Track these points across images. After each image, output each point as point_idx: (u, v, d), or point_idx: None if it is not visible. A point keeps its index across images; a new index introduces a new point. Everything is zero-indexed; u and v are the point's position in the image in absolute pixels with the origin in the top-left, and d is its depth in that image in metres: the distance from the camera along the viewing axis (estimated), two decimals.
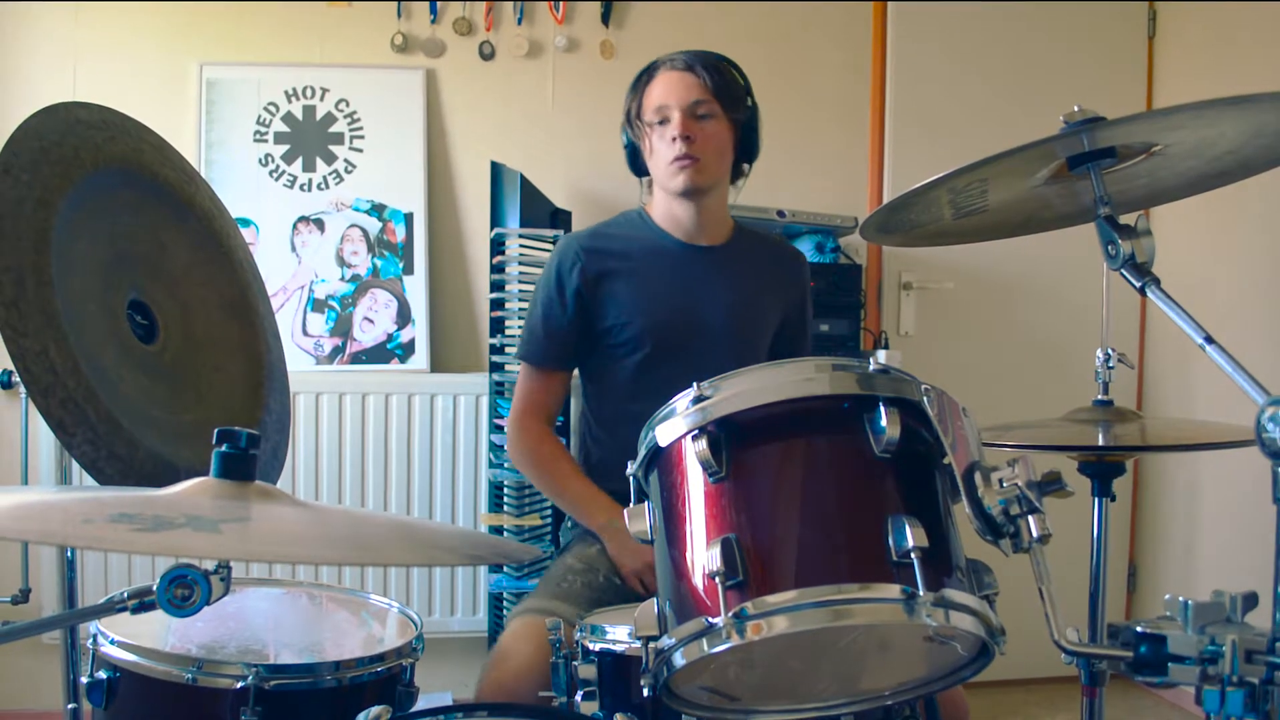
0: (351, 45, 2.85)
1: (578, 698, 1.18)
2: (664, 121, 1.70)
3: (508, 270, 2.53)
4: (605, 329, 1.76)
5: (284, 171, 2.80)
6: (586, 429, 1.87)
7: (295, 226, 2.79)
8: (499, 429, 2.52)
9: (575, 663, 1.20)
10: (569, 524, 1.83)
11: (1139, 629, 0.86)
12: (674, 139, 1.68)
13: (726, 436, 0.92)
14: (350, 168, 2.82)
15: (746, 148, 1.79)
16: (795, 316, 1.89)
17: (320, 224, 2.79)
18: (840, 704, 0.99)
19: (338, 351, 2.76)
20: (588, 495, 1.72)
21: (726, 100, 1.72)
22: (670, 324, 1.75)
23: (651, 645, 0.93)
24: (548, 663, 1.31)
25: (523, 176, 2.56)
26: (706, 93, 1.70)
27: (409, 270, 2.80)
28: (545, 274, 1.80)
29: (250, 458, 0.94)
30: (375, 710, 0.95)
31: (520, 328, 2.51)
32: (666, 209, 1.79)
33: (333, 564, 2.35)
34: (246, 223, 2.74)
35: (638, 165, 1.82)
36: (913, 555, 0.84)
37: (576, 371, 1.86)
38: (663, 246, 1.79)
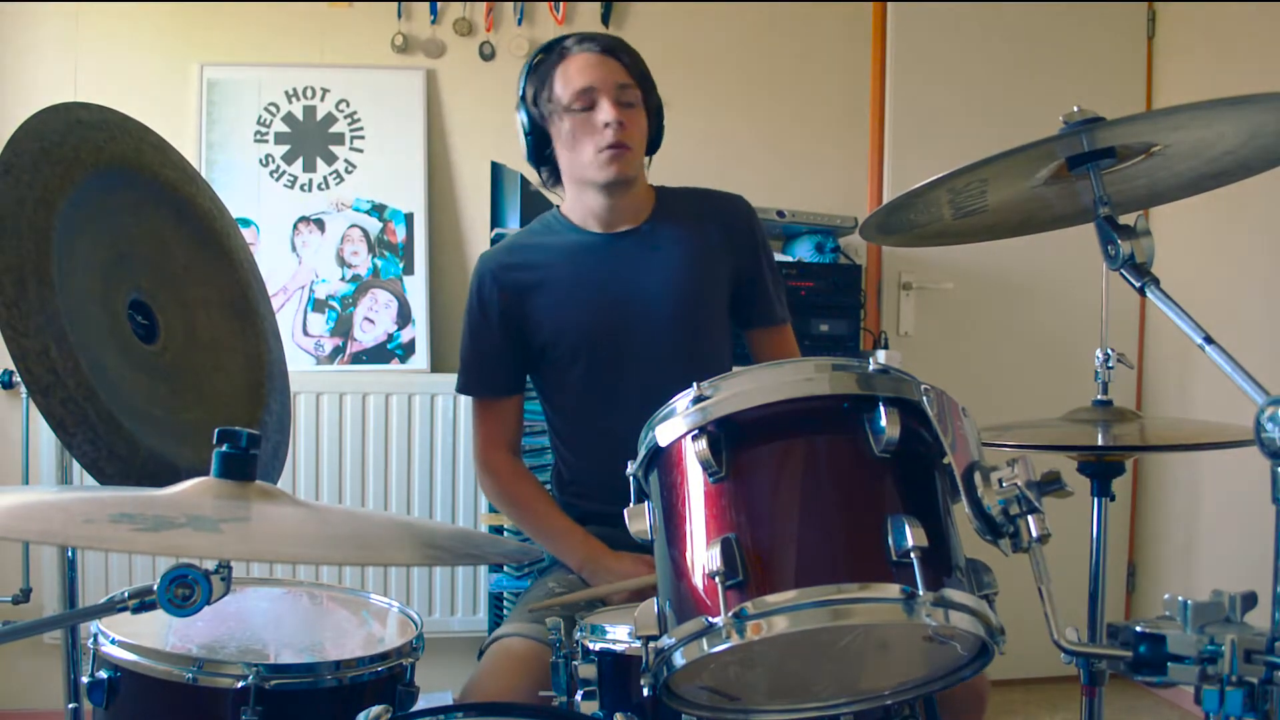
0: (352, 46, 2.86)
1: (578, 697, 1.18)
2: (588, 107, 1.57)
3: None
4: (540, 347, 1.67)
5: (284, 172, 2.80)
6: (555, 449, 1.79)
7: (296, 226, 2.79)
8: None
9: (575, 662, 1.20)
10: None
11: (1138, 629, 0.86)
12: (605, 125, 1.56)
13: (726, 436, 0.92)
14: (351, 168, 2.82)
15: (655, 139, 1.68)
16: (750, 268, 1.72)
17: (321, 224, 2.80)
18: (840, 704, 0.99)
19: (338, 351, 2.76)
20: (563, 533, 1.63)
21: (646, 86, 1.63)
22: (605, 326, 1.64)
23: (651, 645, 0.93)
24: (527, 687, 1.31)
25: (523, 177, 2.56)
26: (629, 77, 1.59)
27: (409, 270, 2.80)
28: (468, 300, 1.70)
29: (251, 457, 0.94)
30: (375, 710, 0.95)
31: None
32: (582, 204, 1.67)
33: (333, 564, 2.35)
34: (247, 223, 2.74)
35: (541, 153, 1.66)
36: (912, 555, 0.84)
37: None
38: (581, 244, 1.67)
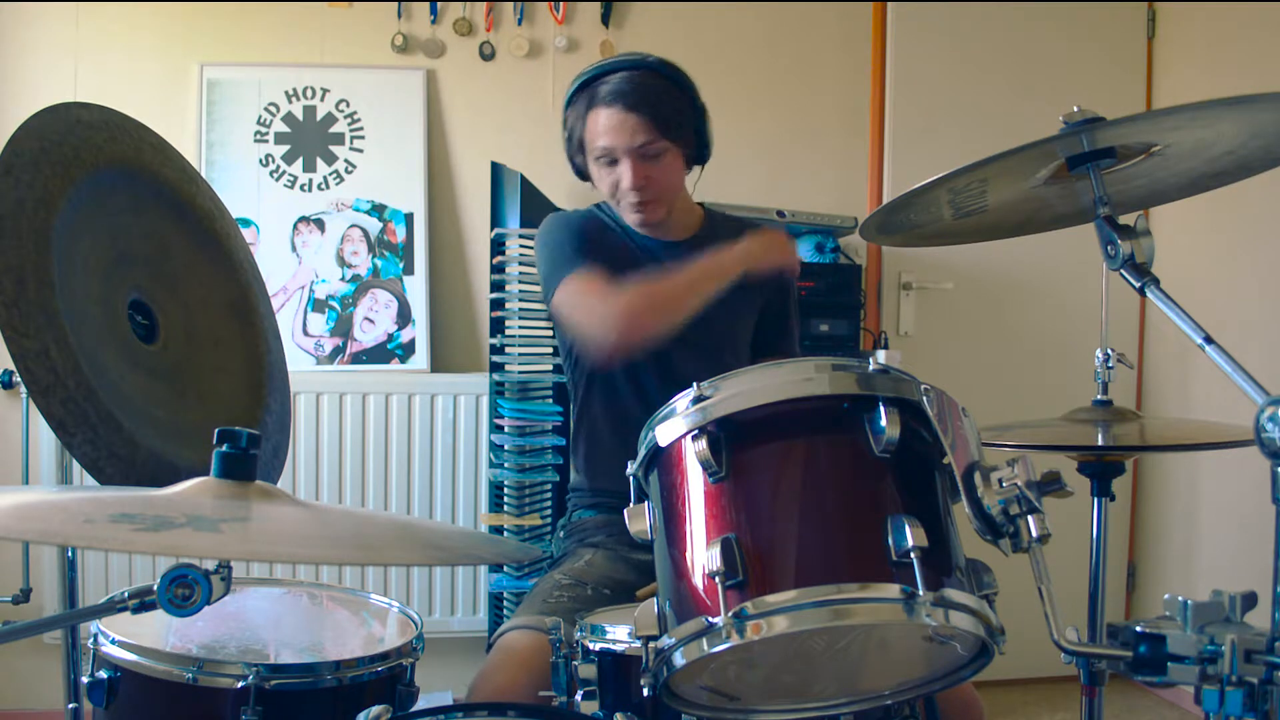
0: (352, 45, 2.86)
1: (578, 697, 1.18)
2: (612, 162, 1.62)
3: (508, 270, 2.53)
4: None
5: (284, 172, 2.80)
6: (579, 416, 1.80)
7: (296, 226, 2.79)
8: (499, 429, 2.52)
9: (575, 662, 1.20)
10: (560, 534, 1.82)
11: (1138, 629, 0.86)
12: (628, 187, 1.61)
13: (726, 436, 0.92)
14: (351, 168, 2.82)
15: (700, 156, 1.70)
16: (776, 304, 1.79)
17: (321, 224, 2.80)
18: (840, 704, 0.99)
19: (338, 351, 2.76)
20: (690, 270, 1.57)
21: (674, 132, 1.62)
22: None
23: (651, 645, 0.93)
24: (534, 681, 1.31)
25: (523, 177, 2.56)
26: (653, 131, 1.59)
27: (409, 270, 2.80)
28: (568, 220, 1.72)
29: (251, 457, 0.94)
30: (375, 710, 0.95)
31: (521, 328, 2.52)
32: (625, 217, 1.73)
33: (333, 564, 2.35)
34: (247, 223, 2.74)
35: (582, 171, 1.72)
36: (912, 555, 0.84)
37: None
38: (628, 245, 1.71)
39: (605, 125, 1.60)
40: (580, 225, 1.72)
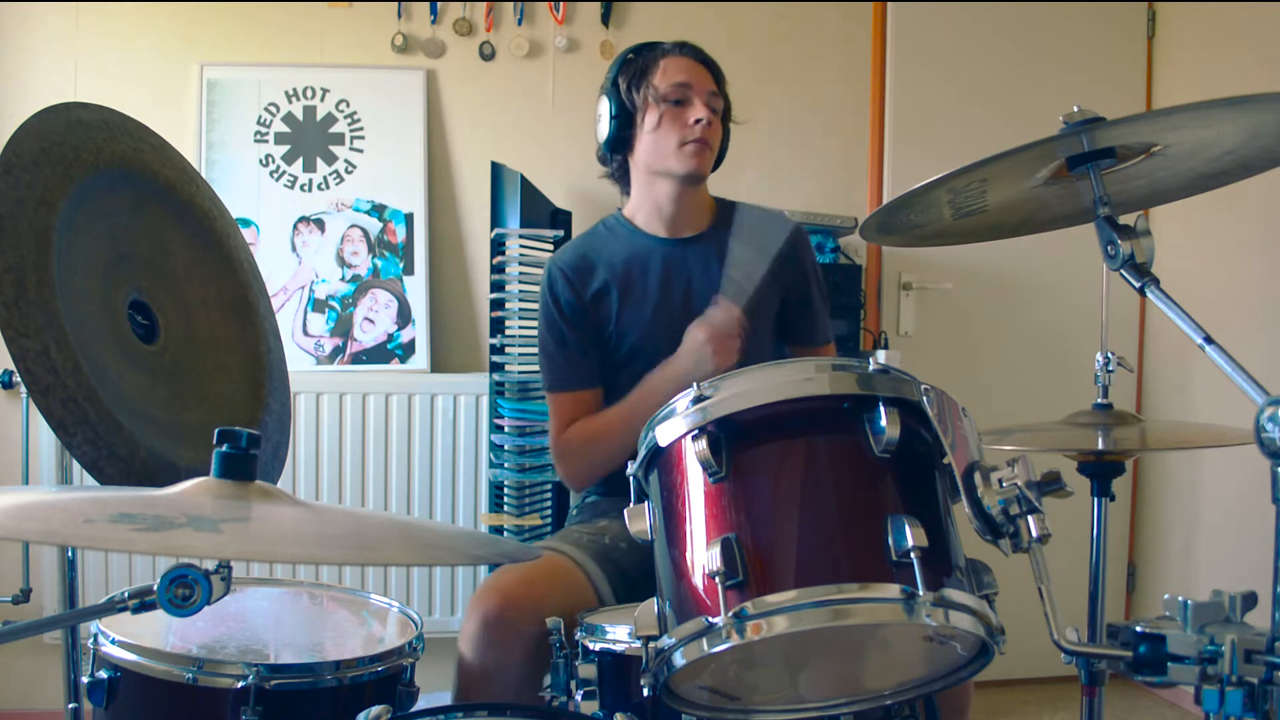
0: (352, 46, 2.86)
1: (578, 697, 1.18)
2: (679, 102, 1.68)
3: (508, 270, 2.53)
4: (604, 343, 1.73)
5: (284, 172, 2.80)
6: None
7: (296, 227, 2.79)
8: (499, 429, 2.52)
9: (575, 662, 1.20)
10: (573, 512, 1.83)
11: (1138, 629, 0.86)
12: (695, 121, 1.66)
13: (726, 436, 0.93)
14: (351, 168, 2.82)
15: (720, 156, 1.78)
16: (798, 290, 1.79)
17: (321, 224, 2.80)
18: (840, 704, 0.99)
19: (338, 351, 2.76)
20: (625, 404, 1.63)
21: (727, 101, 1.75)
22: (663, 329, 1.68)
23: (651, 645, 0.93)
24: (552, 591, 1.34)
25: (523, 177, 2.56)
26: (717, 85, 1.73)
27: (409, 270, 2.80)
28: (542, 304, 1.75)
29: (251, 457, 0.94)
30: (375, 710, 0.95)
31: (521, 328, 2.51)
32: (650, 200, 1.74)
33: (333, 564, 2.35)
34: (247, 223, 2.74)
35: (619, 141, 1.72)
36: (912, 555, 0.84)
37: None
38: (645, 248, 1.74)
39: (681, 67, 1.71)
40: (555, 289, 1.73)
